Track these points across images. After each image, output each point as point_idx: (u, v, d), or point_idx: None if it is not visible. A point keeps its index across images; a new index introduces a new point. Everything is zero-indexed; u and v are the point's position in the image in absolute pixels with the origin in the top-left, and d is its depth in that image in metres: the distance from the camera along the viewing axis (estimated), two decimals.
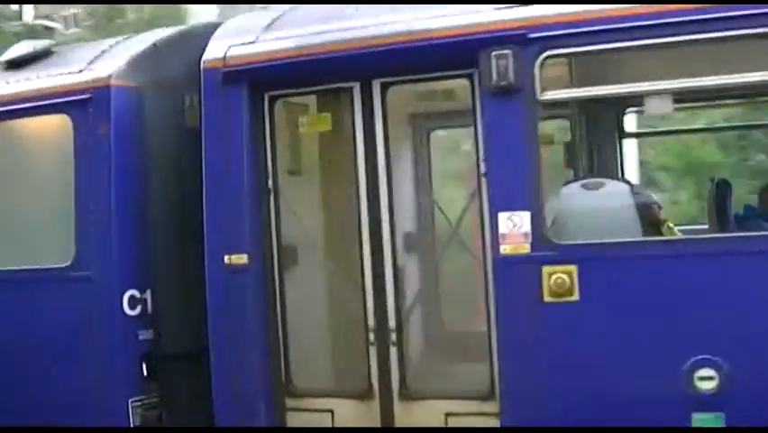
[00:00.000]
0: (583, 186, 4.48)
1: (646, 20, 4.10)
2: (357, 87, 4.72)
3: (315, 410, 4.82)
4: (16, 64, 5.91)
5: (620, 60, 4.42)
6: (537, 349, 4.22)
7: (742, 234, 4.59)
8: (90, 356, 5.20)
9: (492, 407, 4.48)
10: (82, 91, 5.29)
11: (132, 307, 5.24)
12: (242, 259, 4.78)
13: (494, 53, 4.27)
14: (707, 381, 3.94)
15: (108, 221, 5.18)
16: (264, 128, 4.89)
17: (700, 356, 3.95)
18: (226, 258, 4.83)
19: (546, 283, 4.19)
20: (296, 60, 4.75)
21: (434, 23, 4.51)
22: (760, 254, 3.94)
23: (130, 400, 5.17)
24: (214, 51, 4.99)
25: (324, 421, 4.80)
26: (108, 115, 5.20)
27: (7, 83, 5.74)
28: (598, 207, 4.35)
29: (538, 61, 4.23)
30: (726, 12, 3.91)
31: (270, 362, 4.80)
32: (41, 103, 5.46)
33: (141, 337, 5.30)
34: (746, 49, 3.96)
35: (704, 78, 4.22)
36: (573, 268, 4.15)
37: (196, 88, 5.22)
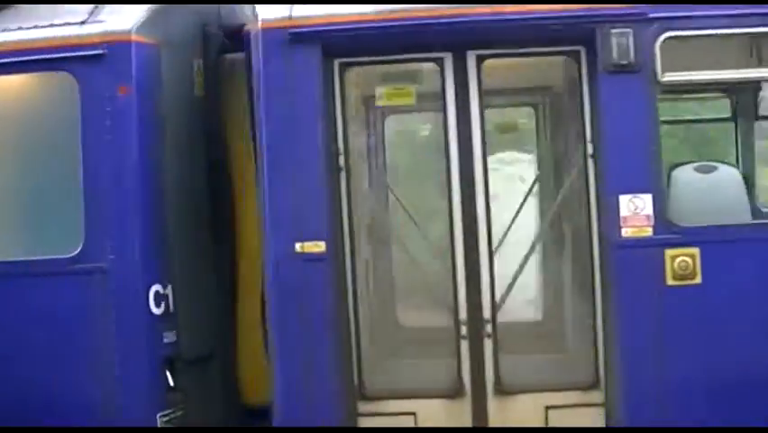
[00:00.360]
0: (696, 169, 4.48)
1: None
2: (449, 58, 4.35)
3: (394, 414, 4.38)
4: None
5: (737, 46, 4.46)
6: (657, 335, 4.13)
7: None
8: (104, 364, 4.35)
9: (596, 397, 4.34)
10: (92, 46, 4.41)
11: (157, 304, 4.48)
12: (318, 247, 4.24)
13: (614, 31, 4.12)
14: None
15: (128, 202, 4.37)
16: (334, 99, 4.37)
17: None
18: (298, 246, 4.25)
19: (669, 266, 4.13)
20: (377, 25, 4.30)
21: None
22: None
23: (158, 415, 4.40)
24: (273, 10, 4.37)
25: (406, 425, 4.39)
26: (129, 76, 4.38)
27: None
28: (714, 190, 4.37)
29: (659, 41, 4.15)
30: None
31: (343, 361, 4.29)
32: (30, 58, 4.48)
33: (165, 340, 4.54)
34: None
35: None
36: (696, 251, 4.12)
37: (201, 53, 4.60)
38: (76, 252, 4.39)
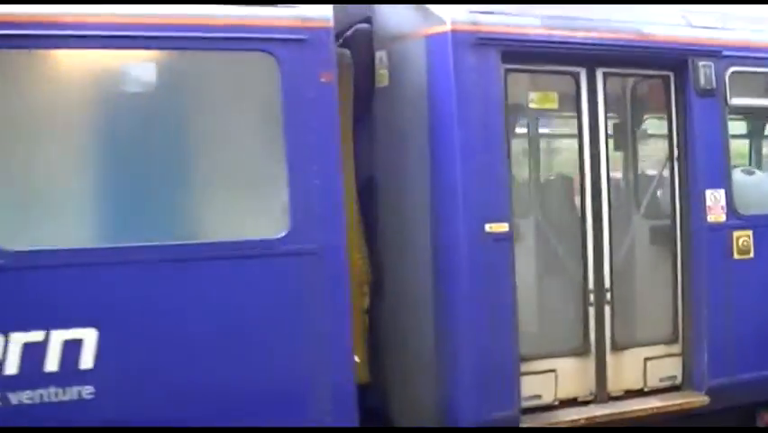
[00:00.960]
0: (742, 172, 5.99)
1: None
2: (583, 72, 5.33)
3: (541, 372, 5.24)
4: None
5: None
6: (727, 297, 5.57)
7: None
8: (312, 351, 4.55)
9: (676, 348, 5.63)
10: (295, 29, 4.60)
11: None
12: (503, 227, 4.94)
13: (701, 63, 5.48)
14: None
15: (335, 186, 4.62)
16: (503, 99, 5.11)
17: None
18: (488, 227, 4.91)
19: (735, 244, 5.59)
20: (541, 38, 5.13)
21: (656, 29, 5.46)
22: None
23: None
24: (460, 14, 4.97)
25: (548, 381, 5.26)
26: (330, 63, 4.65)
27: None
28: (756, 187, 5.92)
29: (728, 73, 5.61)
30: None
31: (516, 331, 5.05)
32: (229, 35, 4.49)
33: None
34: None
35: None
36: (750, 232, 5.64)
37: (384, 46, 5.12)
38: (282, 233, 4.47)
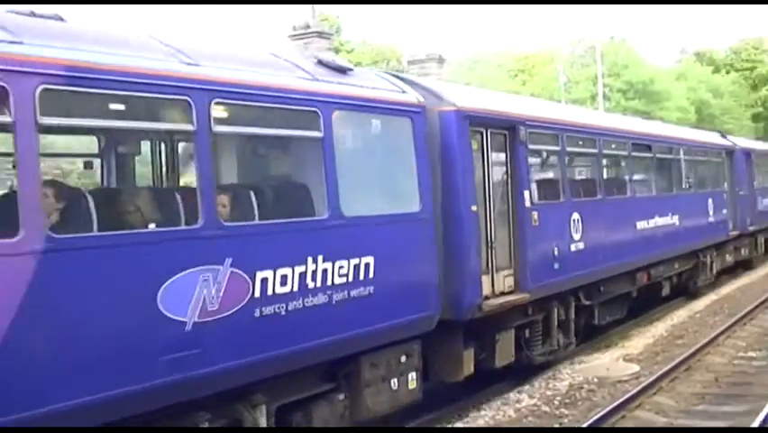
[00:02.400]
0: None
1: None
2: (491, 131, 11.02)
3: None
4: (339, 68, 8.93)
5: None
6: (531, 245, 11.69)
7: None
8: (429, 265, 9.41)
9: (511, 271, 11.50)
10: (416, 106, 9.52)
11: None
12: (474, 208, 10.46)
13: (521, 128, 11.62)
14: None
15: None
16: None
17: None
18: (473, 207, 10.33)
19: (532, 218, 11.75)
20: (487, 114, 10.73)
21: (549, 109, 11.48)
22: None
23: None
24: (453, 99, 10.31)
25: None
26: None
27: (315, 80, 8.33)
28: None
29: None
30: None
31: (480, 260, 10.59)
32: (386, 106, 9.16)
33: None
34: None
35: None
36: (537, 212, 11.88)
37: None
38: (417, 210, 9.27)
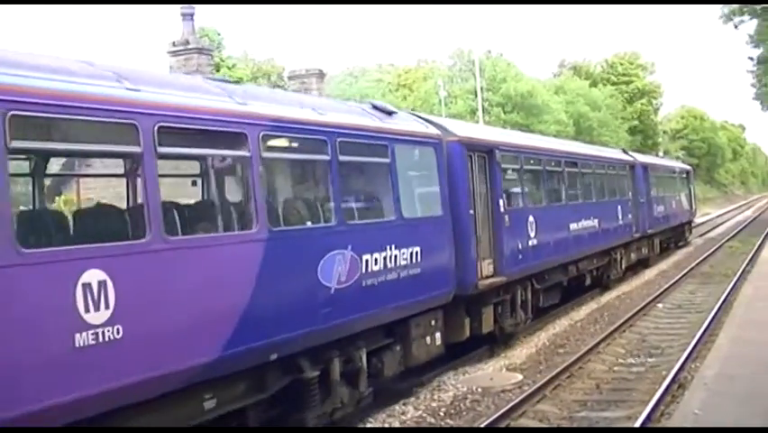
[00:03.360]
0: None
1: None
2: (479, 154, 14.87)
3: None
4: (388, 112, 12.64)
5: None
6: (498, 239, 15.69)
7: None
8: (449, 253, 13.16)
9: (492, 260, 15.38)
10: (434, 138, 13.28)
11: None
12: (471, 211, 14.43)
13: (498, 151, 15.52)
14: None
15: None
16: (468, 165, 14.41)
17: None
18: (470, 211, 14.26)
19: (507, 219, 15.74)
20: (480, 142, 14.57)
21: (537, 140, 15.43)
22: None
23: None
24: (456, 131, 14.18)
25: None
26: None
27: (383, 121, 12.11)
28: None
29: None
30: None
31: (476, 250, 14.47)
32: (421, 139, 13.01)
33: None
34: None
35: None
36: (508, 216, 15.84)
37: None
38: (441, 214, 13.03)
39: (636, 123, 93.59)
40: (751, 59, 66.54)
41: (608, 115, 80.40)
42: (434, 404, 12.14)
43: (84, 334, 6.56)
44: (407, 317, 12.08)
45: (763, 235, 38.33)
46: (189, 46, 34.81)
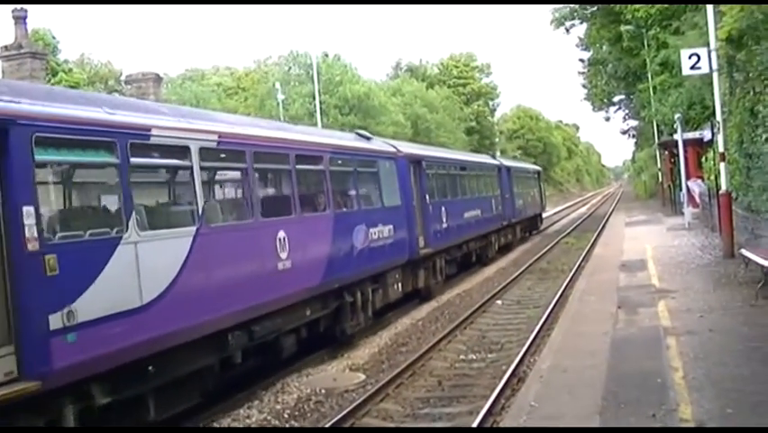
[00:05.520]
0: None
1: None
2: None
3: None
4: (367, 138, 20.38)
5: None
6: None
7: None
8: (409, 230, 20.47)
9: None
10: (395, 154, 21.01)
11: None
12: (426, 201, 21.65)
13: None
14: None
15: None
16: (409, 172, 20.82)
17: None
18: (428, 198, 21.27)
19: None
20: (420, 156, 22.15)
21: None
22: None
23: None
24: (405, 150, 22.32)
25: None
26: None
27: (369, 143, 19.99)
28: None
29: None
30: None
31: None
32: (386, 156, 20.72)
33: None
34: None
35: None
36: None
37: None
38: (400, 204, 20.63)
39: (474, 124, 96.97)
40: (582, 61, 71.18)
41: (445, 117, 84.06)
42: (278, 406, 12.53)
43: (280, 263, 13.35)
44: (385, 271, 19.17)
45: (596, 232, 41.38)
46: (23, 50, 34.36)
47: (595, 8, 54.08)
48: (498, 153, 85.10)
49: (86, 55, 75.32)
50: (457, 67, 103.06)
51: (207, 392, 11.73)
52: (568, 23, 59.80)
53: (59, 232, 8.98)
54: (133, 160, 9.91)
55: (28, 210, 8.17)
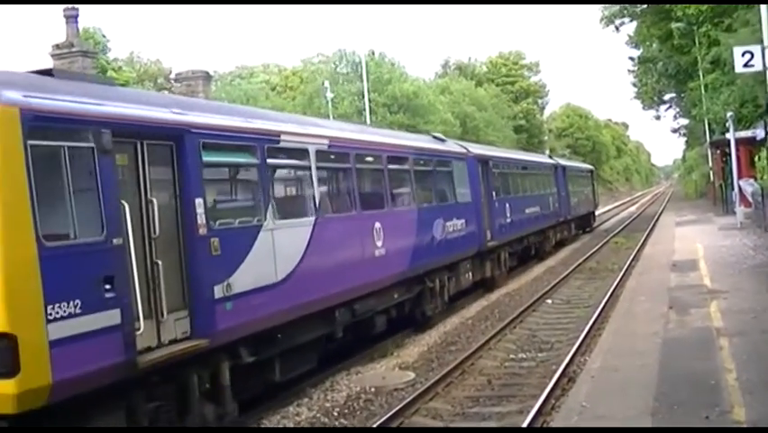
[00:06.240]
0: None
1: None
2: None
3: None
4: (442, 140, 22.67)
5: None
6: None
7: None
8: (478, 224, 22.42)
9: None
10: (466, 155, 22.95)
11: None
12: None
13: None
14: None
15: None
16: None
17: None
18: None
19: None
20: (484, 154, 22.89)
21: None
22: None
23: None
24: (474, 151, 24.10)
25: None
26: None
27: (444, 145, 21.98)
28: None
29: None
30: None
31: None
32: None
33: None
34: None
35: None
36: None
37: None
38: (471, 200, 22.39)
39: (522, 122, 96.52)
40: (631, 59, 70.59)
41: (494, 115, 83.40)
42: (327, 404, 12.58)
43: (376, 250, 15.33)
44: (458, 261, 21.02)
45: (646, 231, 41.08)
46: (74, 49, 34.73)
47: (645, 6, 53.52)
48: (546, 152, 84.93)
49: (135, 53, 77.00)
50: (506, 65, 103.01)
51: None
52: (617, 21, 59.37)
53: (218, 220, 10.91)
54: (269, 160, 12.09)
55: (199, 202, 10.21)
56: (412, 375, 14.07)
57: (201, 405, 10.26)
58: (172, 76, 65.40)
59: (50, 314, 7.63)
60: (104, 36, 66.08)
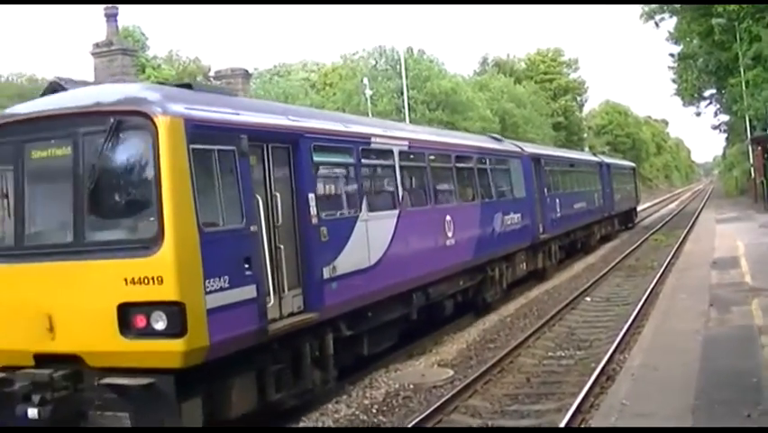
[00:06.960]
0: None
1: None
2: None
3: None
4: (499, 139, 25.13)
5: None
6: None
7: None
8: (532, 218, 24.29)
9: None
10: (521, 154, 25.13)
11: None
12: None
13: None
14: None
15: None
16: None
17: None
18: None
19: None
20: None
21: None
22: None
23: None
24: (528, 150, 26.34)
25: None
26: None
27: (501, 145, 24.10)
28: None
29: None
30: None
31: None
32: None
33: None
34: None
35: None
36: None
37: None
38: (525, 195, 24.50)
39: (561, 119, 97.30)
40: (671, 55, 71.46)
41: (532, 112, 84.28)
42: (366, 402, 12.73)
43: (447, 240, 17.25)
44: (515, 252, 22.89)
45: (686, 228, 41.22)
46: (113, 47, 35.60)
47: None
48: (586, 149, 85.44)
49: (174, 51, 78.54)
50: (544, 62, 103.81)
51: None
52: (657, 17, 60.00)
53: (325, 211, 12.78)
54: (363, 160, 14.21)
55: (311, 196, 12.15)
56: (451, 372, 14.23)
57: (311, 370, 11.91)
58: (211, 74, 66.77)
59: (208, 287, 9.45)
60: (143, 34, 67.97)
